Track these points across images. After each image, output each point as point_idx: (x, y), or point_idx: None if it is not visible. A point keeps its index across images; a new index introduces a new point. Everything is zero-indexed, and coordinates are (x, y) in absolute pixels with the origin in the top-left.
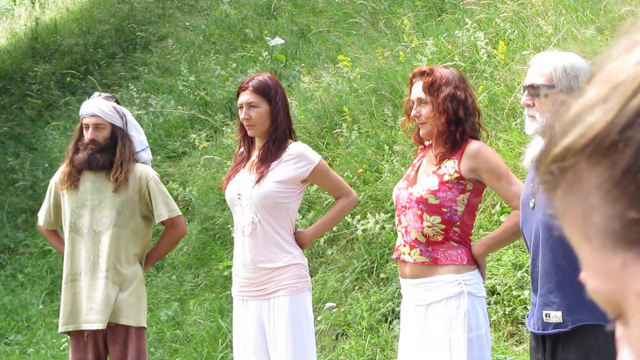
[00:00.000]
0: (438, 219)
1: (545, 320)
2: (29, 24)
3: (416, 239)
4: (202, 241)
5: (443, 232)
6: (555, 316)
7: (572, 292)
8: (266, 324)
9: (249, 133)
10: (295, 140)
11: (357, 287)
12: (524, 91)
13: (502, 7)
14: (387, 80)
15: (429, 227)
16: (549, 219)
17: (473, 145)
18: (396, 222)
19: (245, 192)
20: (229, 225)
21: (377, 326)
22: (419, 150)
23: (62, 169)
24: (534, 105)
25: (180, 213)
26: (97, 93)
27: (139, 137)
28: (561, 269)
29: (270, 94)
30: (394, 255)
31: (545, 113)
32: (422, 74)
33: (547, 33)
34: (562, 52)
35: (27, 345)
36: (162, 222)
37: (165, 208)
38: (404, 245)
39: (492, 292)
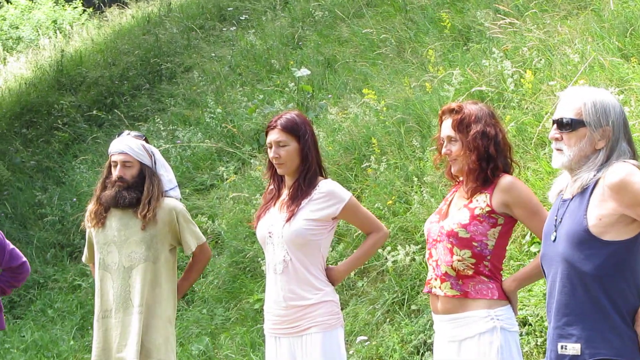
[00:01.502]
0: (468, 252)
1: (560, 352)
2: (53, 56)
3: (446, 272)
4: (232, 274)
5: (473, 266)
6: (574, 348)
7: (592, 325)
8: None
9: (279, 171)
10: (325, 177)
11: (388, 320)
12: (552, 124)
13: (529, 36)
14: (414, 110)
15: (459, 260)
16: (570, 252)
17: (506, 179)
18: (427, 256)
19: (276, 230)
20: (259, 259)
21: (409, 359)
22: (451, 186)
23: (90, 207)
24: (562, 139)
25: (204, 238)
26: (126, 131)
27: (167, 175)
28: (582, 301)
29: (299, 132)
30: (425, 289)
31: (573, 147)
32: (451, 111)
33: (573, 61)
34: (592, 88)
35: None
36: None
37: (193, 238)
38: (435, 279)
39: (523, 323)
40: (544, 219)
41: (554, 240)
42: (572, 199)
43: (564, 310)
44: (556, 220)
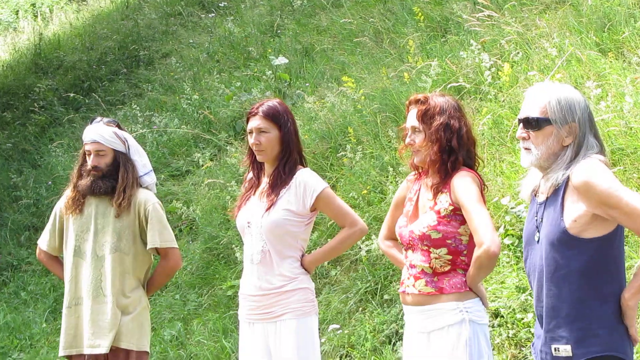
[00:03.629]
0: (444, 250)
1: (554, 354)
2: (32, 39)
3: (422, 270)
4: (206, 261)
5: (450, 263)
6: (565, 350)
7: (580, 325)
8: (272, 347)
9: (259, 158)
10: (306, 166)
11: (360, 309)
12: (519, 124)
13: (507, 29)
14: (391, 101)
15: (436, 258)
16: (553, 254)
17: (454, 178)
18: (403, 257)
19: (255, 220)
20: (233, 245)
21: (381, 348)
22: (412, 180)
23: (67, 194)
24: (529, 137)
25: (176, 246)
26: (98, 118)
27: (141, 160)
28: (567, 303)
29: (281, 119)
30: (400, 289)
31: (541, 145)
32: (417, 101)
33: (551, 55)
34: (556, 84)
35: None
36: (157, 252)
37: (158, 236)
38: (409, 278)
39: (495, 315)
40: (474, 217)
41: (538, 241)
42: (546, 201)
43: (551, 313)
44: (537, 220)
